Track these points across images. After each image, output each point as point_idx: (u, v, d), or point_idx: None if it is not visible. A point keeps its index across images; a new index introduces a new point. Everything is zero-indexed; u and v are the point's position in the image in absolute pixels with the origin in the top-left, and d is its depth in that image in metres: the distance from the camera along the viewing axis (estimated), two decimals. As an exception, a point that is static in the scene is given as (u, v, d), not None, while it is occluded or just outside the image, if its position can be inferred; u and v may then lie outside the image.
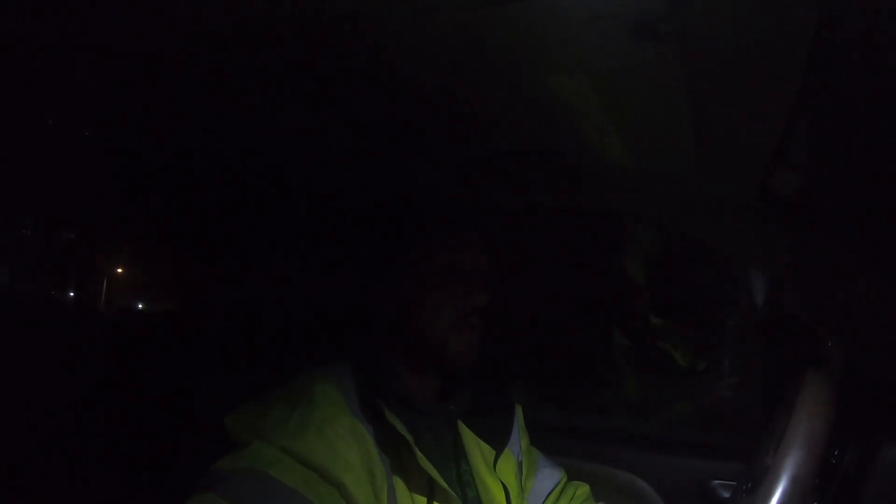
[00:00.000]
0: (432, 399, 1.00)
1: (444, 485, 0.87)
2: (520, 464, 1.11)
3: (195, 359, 1.18)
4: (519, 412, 1.17)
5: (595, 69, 0.68)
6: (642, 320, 2.26)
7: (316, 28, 0.67)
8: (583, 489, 1.22)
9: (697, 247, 2.15)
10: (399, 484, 0.86)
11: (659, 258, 2.30)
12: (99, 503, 1.00)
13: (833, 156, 0.98)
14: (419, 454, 0.85)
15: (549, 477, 1.18)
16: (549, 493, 1.16)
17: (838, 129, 0.90)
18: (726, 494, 1.38)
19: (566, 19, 0.57)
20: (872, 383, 1.12)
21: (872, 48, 0.67)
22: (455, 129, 0.99)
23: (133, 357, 1.12)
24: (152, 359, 1.14)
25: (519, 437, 1.15)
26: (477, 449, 1.01)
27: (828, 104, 0.81)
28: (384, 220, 1.05)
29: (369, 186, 1.22)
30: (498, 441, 1.04)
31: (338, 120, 0.98)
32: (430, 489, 0.88)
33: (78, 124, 1.10)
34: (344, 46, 0.71)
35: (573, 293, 2.20)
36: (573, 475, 1.23)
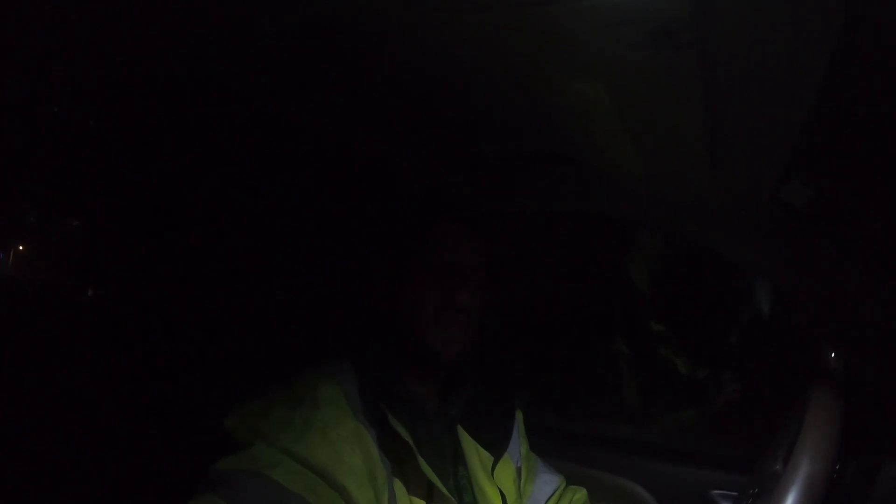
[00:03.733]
0: (433, 403, 1.00)
1: (445, 491, 0.87)
2: (518, 469, 1.10)
3: (195, 357, 1.18)
4: (519, 417, 1.17)
5: (611, 75, 0.67)
6: (643, 330, 2.25)
7: (327, 25, 0.67)
8: (580, 493, 1.21)
9: (703, 254, 2.14)
10: (399, 487, 0.86)
11: (662, 264, 2.29)
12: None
13: (845, 168, 0.98)
14: (421, 460, 0.85)
15: (548, 482, 1.18)
16: (549, 499, 1.15)
17: (853, 142, 0.89)
18: (726, 504, 1.38)
19: (584, 25, 0.56)
20: (874, 398, 1.12)
21: (893, 62, 0.66)
22: (465, 130, 0.98)
23: (133, 353, 1.12)
24: (152, 356, 1.13)
25: (519, 443, 1.14)
26: (475, 454, 1.00)
27: (844, 116, 0.80)
28: (380, 219, 1.04)
29: (371, 185, 1.21)
30: (496, 447, 1.04)
31: (342, 117, 0.98)
32: (429, 493, 0.88)
33: (84, 114, 1.10)
34: (354, 44, 0.71)
35: (575, 298, 2.19)
36: (573, 480, 1.23)
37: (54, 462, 1.00)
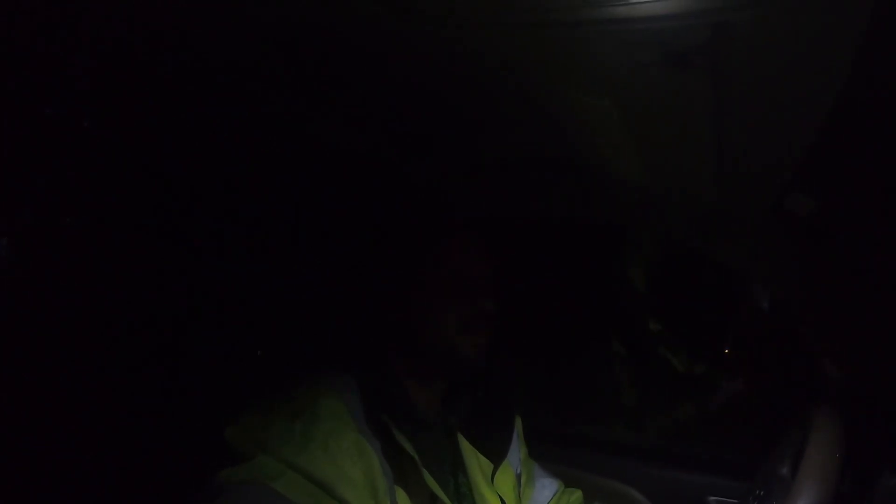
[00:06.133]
0: (434, 410, 1.00)
1: (447, 501, 0.87)
2: (518, 476, 1.11)
3: (196, 366, 1.17)
4: (518, 423, 1.17)
5: (623, 92, 0.67)
6: (641, 330, 2.26)
7: (336, 34, 0.66)
8: (576, 495, 1.22)
9: (704, 261, 2.14)
10: (401, 495, 0.86)
11: (660, 268, 2.29)
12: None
13: (847, 180, 0.98)
14: (425, 472, 0.85)
15: (547, 486, 1.19)
16: (548, 503, 1.16)
17: (856, 156, 0.89)
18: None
19: (601, 45, 0.56)
20: (872, 408, 1.12)
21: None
22: (474, 137, 0.98)
23: (134, 360, 1.11)
24: (154, 363, 1.12)
25: (518, 449, 1.14)
26: (475, 461, 1.00)
27: (850, 131, 0.80)
28: (391, 228, 1.04)
29: (377, 192, 1.21)
30: (496, 454, 1.04)
31: (349, 124, 0.97)
32: (431, 502, 0.88)
33: (78, 115, 1.08)
34: (364, 53, 0.70)
35: (573, 301, 2.20)
36: (569, 484, 1.24)
37: (49, 465, 0.99)
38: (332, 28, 0.65)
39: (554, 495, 1.18)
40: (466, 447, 1.00)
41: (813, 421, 0.85)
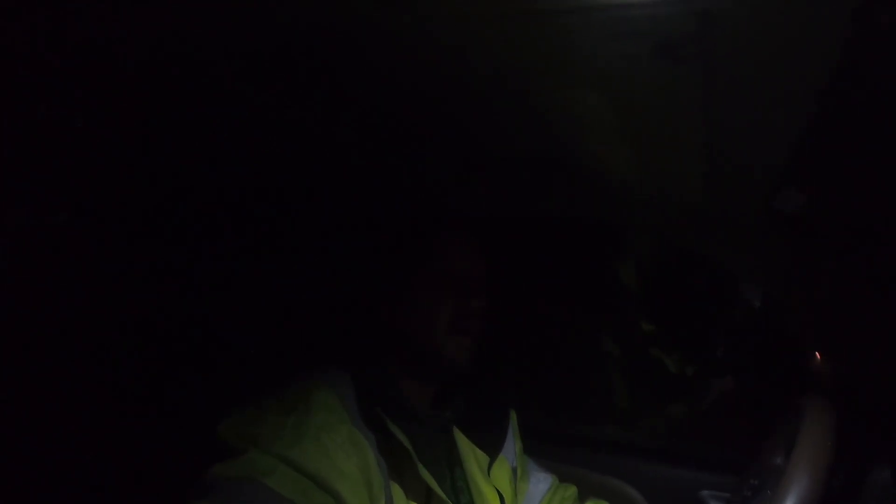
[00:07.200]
0: (429, 406, 1.00)
1: (443, 495, 0.87)
2: (514, 469, 1.11)
3: (190, 363, 1.17)
4: (513, 417, 1.18)
5: (613, 84, 0.67)
6: (634, 329, 2.27)
7: (329, 26, 0.66)
8: (571, 490, 1.23)
9: (695, 258, 2.15)
10: (396, 490, 0.86)
11: (652, 267, 2.30)
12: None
13: (838, 175, 0.99)
14: (420, 466, 0.85)
15: (542, 480, 1.19)
16: (543, 496, 1.17)
17: (847, 150, 0.90)
18: (715, 505, 1.40)
19: (590, 36, 0.56)
20: (862, 403, 1.13)
21: (888, 79, 0.66)
22: (463, 134, 0.98)
23: (129, 358, 1.10)
24: (149, 360, 1.12)
25: (514, 442, 1.15)
26: (472, 455, 1.01)
27: (840, 125, 0.80)
28: (383, 226, 1.04)
29: (369, 191, 1.21)
30: (492, 447, 1.04)
31: (341, 122, 0.97)
32: (427, 496, 0.88)
33: (70, 115, 1.08)
34: (354, 50, 0.70)
35: (566, 300, 2.20)
36: (564, 480, 1.24)
37: (44, 465, 0.99)
38: (321, 25, 0.66)
39: (549, 490, 1.18)
40: (462, 441, 1.00)
41: (805, 410, 0.86)
